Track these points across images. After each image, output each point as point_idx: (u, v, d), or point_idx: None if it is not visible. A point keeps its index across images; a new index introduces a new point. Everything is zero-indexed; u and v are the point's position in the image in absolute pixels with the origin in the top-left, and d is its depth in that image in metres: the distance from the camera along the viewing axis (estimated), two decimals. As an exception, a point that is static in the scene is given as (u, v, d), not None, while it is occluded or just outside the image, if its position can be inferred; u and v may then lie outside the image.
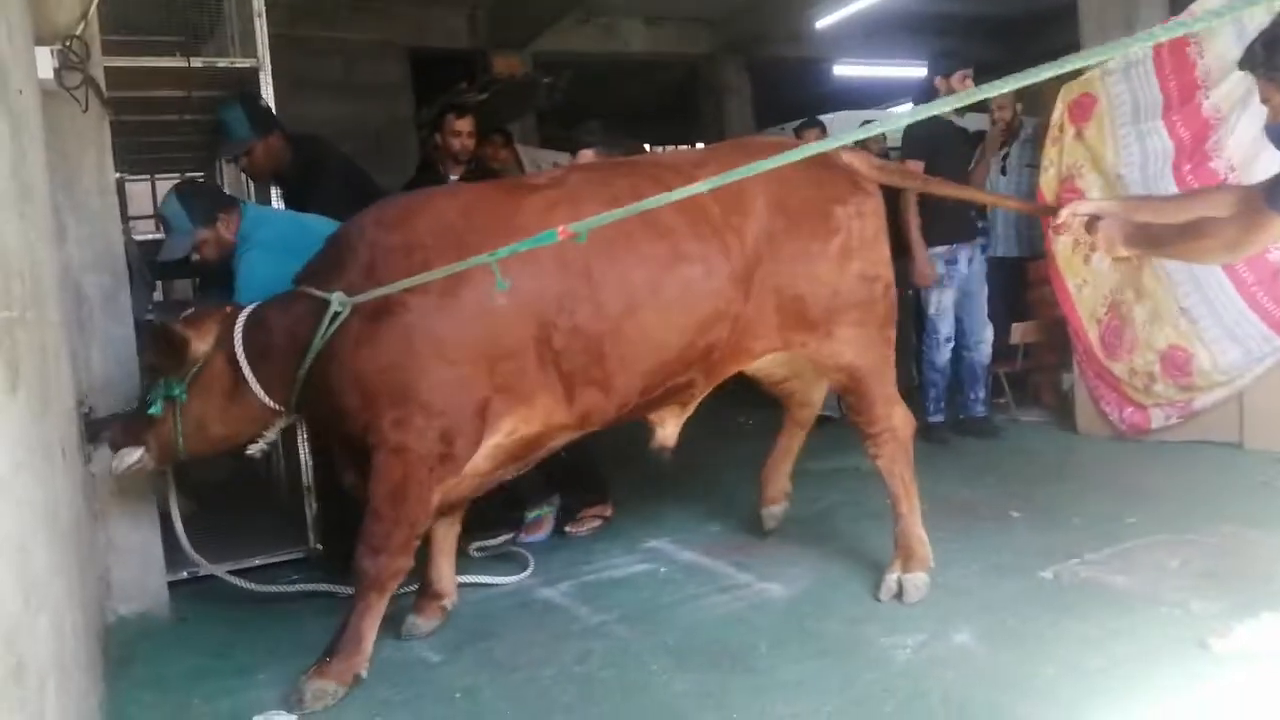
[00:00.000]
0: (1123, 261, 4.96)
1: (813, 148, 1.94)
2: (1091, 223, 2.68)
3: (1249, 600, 2.62)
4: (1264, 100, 2.42)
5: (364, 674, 2.78)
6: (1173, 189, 4.66)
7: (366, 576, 2.77)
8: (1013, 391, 6.25)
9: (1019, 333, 6.00)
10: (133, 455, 2.95)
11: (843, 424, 5.99)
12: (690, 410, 3.28)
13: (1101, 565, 3.25)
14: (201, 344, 2.90)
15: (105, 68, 3.46)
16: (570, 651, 2.95)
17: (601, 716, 2.52)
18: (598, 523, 4.26)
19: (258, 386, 2.88)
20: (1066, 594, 3.06)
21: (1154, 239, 2.65)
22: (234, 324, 2.91)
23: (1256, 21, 4.28)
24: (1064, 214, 2.77)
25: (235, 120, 3.74)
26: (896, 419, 3.25)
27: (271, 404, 2.93)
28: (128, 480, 3.48)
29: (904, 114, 1.46)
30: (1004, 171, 6.33)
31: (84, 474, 3.10)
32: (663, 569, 3.69)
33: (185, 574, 3.81)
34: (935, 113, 1.67)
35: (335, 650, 2.75)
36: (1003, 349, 6.20)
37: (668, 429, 3.25)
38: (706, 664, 2.77)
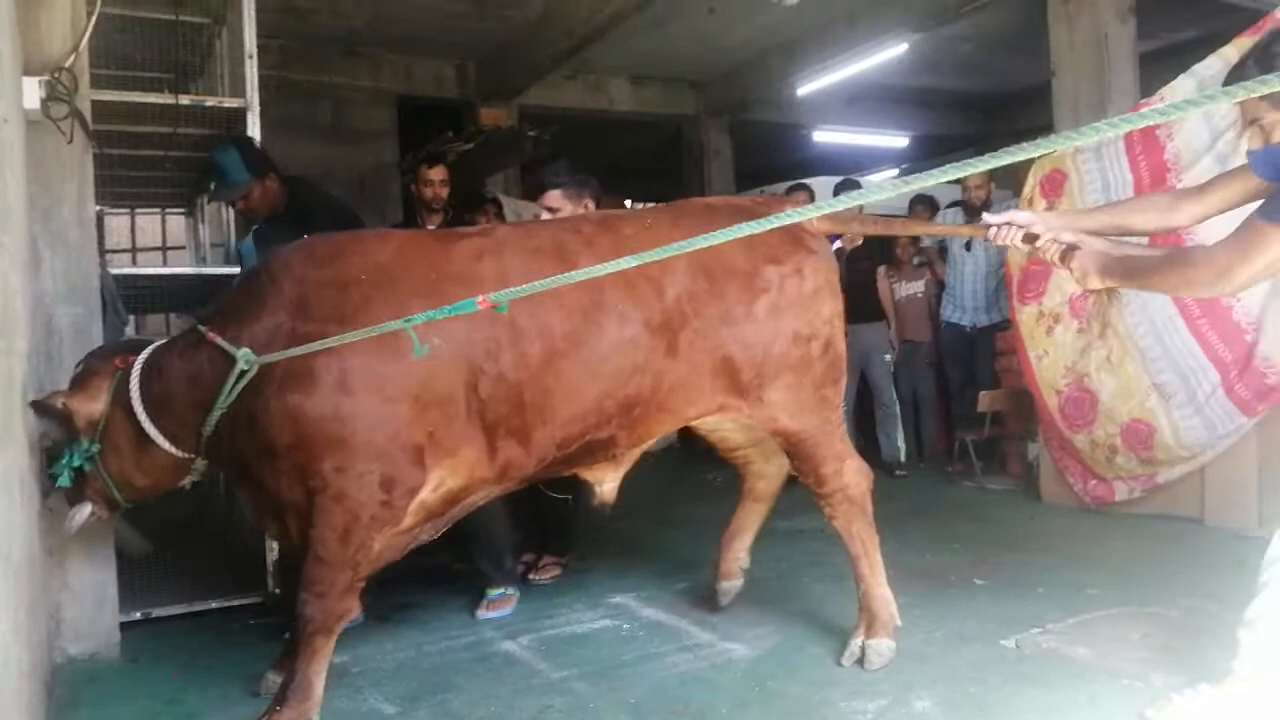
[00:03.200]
0: (1099, 301, 4.97)
1: (772, 220, 1.65)
2: (1067, 253, 2.48)
3: (1208, 675, 2.63)
4: (1252, 120, 2.29)
5: None
6: None
7: (312, 622, 2.70)
8: (980, 459, 6.32)
9: (986, 401, 6.07)
10: (83, 511, 2.91)
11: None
12: (625, 467, 3.20)
13: (1063, 635, 3.26)
14: (94, 404, 2.80)
15: (92, 100, 3.48)
16: (529, 707, 2.91)
17: (557, 774, 2.48)
18: (557, 570, 4.29)
19: (161, 438, 2.80)
20: (1028, 663, 3.06)
21: (1133, 270, 2.41)
22: (128, 376, 2.81)
23: (1222, 110, 4.44)
24: (993, 221, 2.53)
25: (232, 163, 3.75)
26: (847, 477, 3.15)
27: (180, 454, 2.85)
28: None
29: (882, 183, 1.41)
30: (968, 247, 6.47)
31: (40, 508, 3.05)
32: (625, 626, 3.66)
33: (139, 615, 3.74)
34: (914, 188, 1.67)
35: (285, 698, 2.69)
36: (970, 417, 6.29)
37: (606, 486, 3.18)
38: (667, 723, 2.74)
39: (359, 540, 2.70)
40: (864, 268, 6.83)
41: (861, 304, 6.34)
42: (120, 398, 2.79)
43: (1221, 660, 2.55)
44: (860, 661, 3.04)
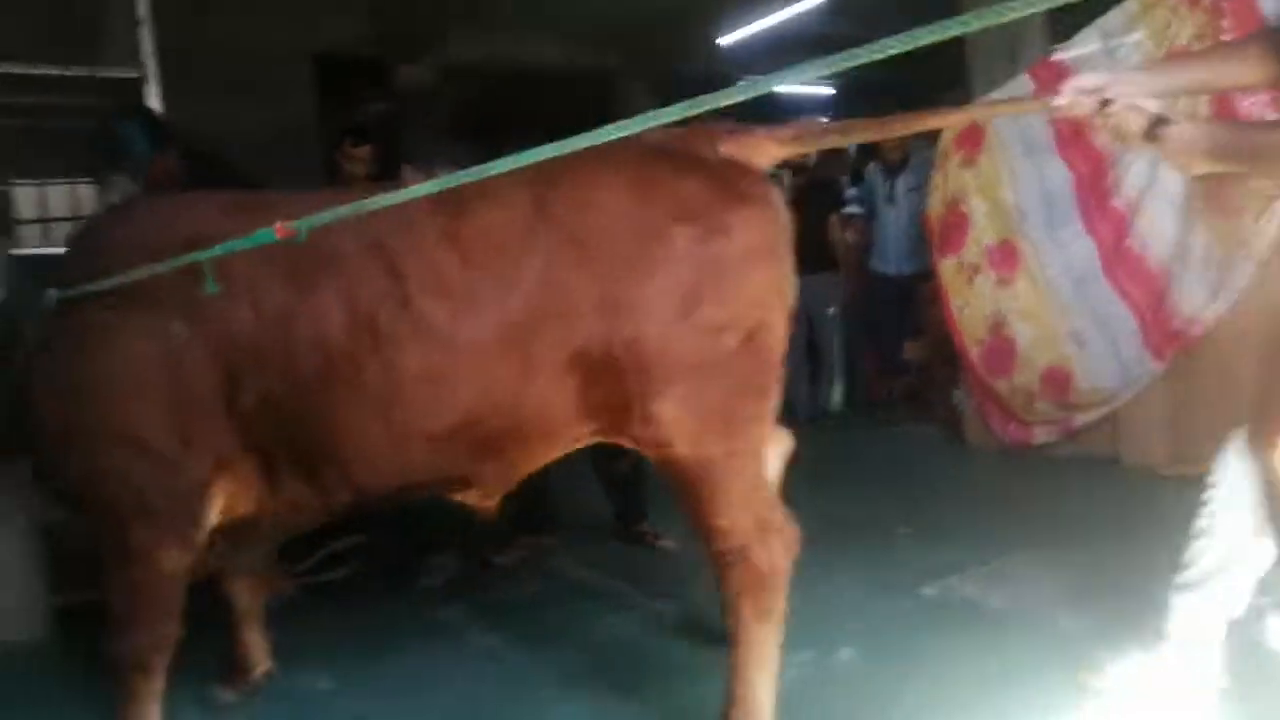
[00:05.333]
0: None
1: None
2: (1155, 128, 1.99)
3: (1116, 617, 2.76)
4: None
5: None
6: (1078, 224, 4.82)
7: (119, 659, 2.35)
8: (906, 406, 6.47)
9: (912, 349, 6.20)
10: None
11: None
12: (502, 491, 2.50)
13: (980, 581, 3.38)
14: None
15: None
16: (463, 676, 2.95)
17: (490, 744, 2.53)
18: (524, 551, 4.07)
19: None
20: (946, 610, 3.18)
21: (1260, 151, 2.05)
22: None
23: (1133, 61, 4.54)
24: (1068, 95, 2.03)
25: (132, 135, 3.60)
26: (750, 538, 2.25)
27: None
28: (11, 501, 3.36)
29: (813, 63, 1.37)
30: (891, 200, 6.52)
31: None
32: (559, 588, 3.71)
33: (73, 598, 3.67)
34: (823, 72, 1.59)
35: None
36: (897, 365, 6.42)
37: (476, 501, 2.50)
38: (597, 689, 2.79)
39: (132, 561, 2.30)
40: (810, 216, 6.16)
41: (807, 254, 6.07)
42: None
43: (1130, 600, 2.66)
44: None
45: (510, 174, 1.97)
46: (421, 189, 1.84)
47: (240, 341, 2.23)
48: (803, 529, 3.70)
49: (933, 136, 5.56)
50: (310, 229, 1.97)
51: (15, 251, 3.81)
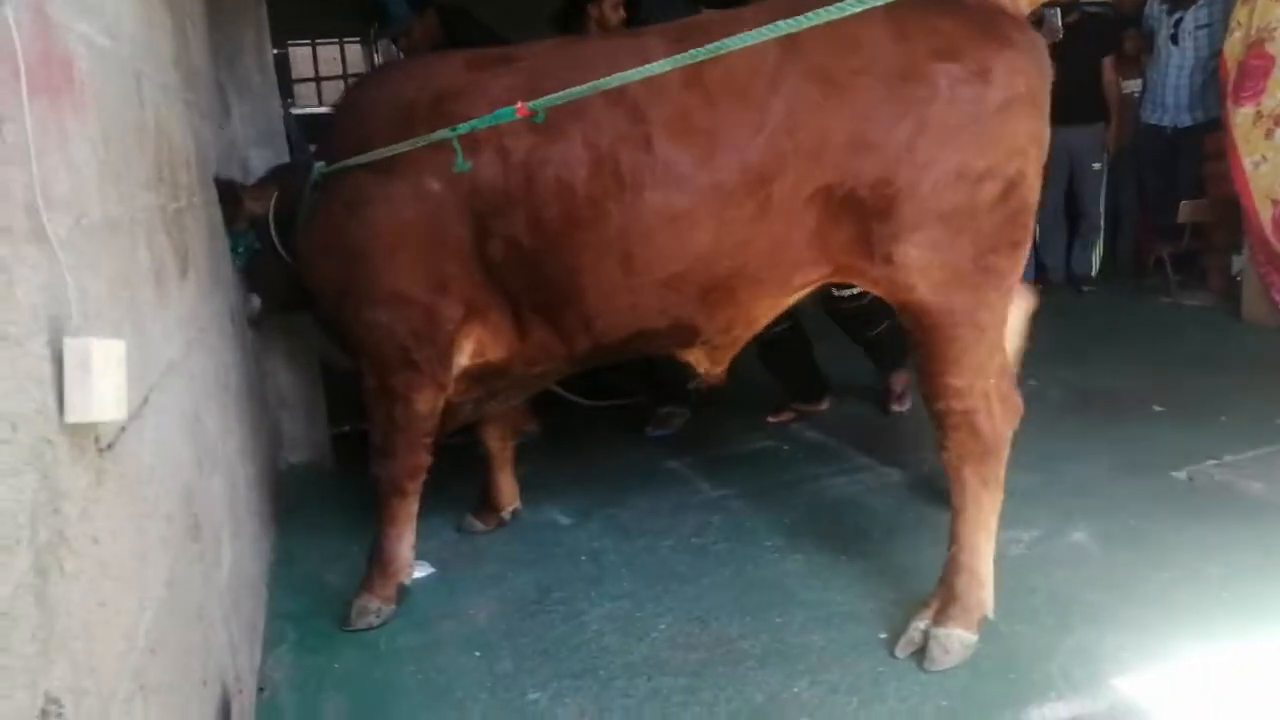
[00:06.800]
0: None
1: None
2: None
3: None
4: None
5: (410, 581, 2.74)
6: None
7: (379, 482, 2.67)
8: (1177, 274, 5.91)
9: (1186, 211, 5.60)
10: (254, 301, 3.13)
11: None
12: (729, 353, 2.59)
13: (1240, 469, 3.13)
14: (257, 205, 2.86)
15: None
16: (689, 523, 3.10)
17: (711, 587, 2.67)
18: (792, 415, 4.13)
19: (283, 250, 2.82)
20: (1197, 497, 2.98)
21: None
22: (279, 187, 2.87)
23: None
24: None
25: (393, 2, 3.85)
26: (979, 401, 2.19)
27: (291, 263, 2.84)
28: (294, 339, 3.81)
29: None
30: (1175, 40, 5.73)
31: (254, 336, 3.39)
32: (786, 447, 3.78)
33: (348, 428, 4.15)
34: None
35: (370, 566, 2.69)
36: (1168, 228, 5.84)
37: (706, 367, 2.60)
38: (818, 545, 2.86)
39: (393, 400, 2.57)
40: (1080, 59, 5.65)
41: (1074, 102, 5.14)
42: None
43: None
44: (920, 656, 2.21)
45: (761, 13, 2.04)
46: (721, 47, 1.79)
47: (488, 189, 2.35)
48: (1048, 400, 3.57)
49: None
50: (555, 76, 2.11)
51: (296, 110, 4.13)
